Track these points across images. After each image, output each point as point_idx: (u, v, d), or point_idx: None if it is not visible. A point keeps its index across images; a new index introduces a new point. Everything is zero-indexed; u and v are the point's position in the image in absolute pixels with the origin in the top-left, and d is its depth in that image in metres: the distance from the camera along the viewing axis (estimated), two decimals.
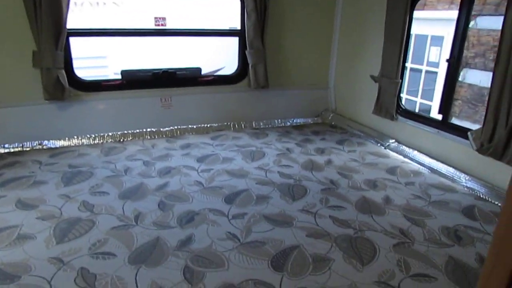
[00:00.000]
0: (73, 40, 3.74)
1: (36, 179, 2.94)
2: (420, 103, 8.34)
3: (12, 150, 3.54)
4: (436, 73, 7.83)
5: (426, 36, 7.90)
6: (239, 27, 4.28)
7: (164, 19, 4.00)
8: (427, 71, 8.20)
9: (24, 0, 3.34)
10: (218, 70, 7.43)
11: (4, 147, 3.54)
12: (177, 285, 1.82)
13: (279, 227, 2.33)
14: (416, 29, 7.77)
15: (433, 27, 7.72)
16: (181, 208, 2.54)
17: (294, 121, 4.68)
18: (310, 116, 4.81)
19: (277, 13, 4.29)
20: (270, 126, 4.52)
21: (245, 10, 4.10)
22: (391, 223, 2.43)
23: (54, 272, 1.89)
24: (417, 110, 8.28)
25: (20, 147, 3.58)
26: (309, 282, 1.86)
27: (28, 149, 3.59)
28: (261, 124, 4.50)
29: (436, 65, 7.83)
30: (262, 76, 4.26)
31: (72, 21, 3.60)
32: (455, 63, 3.47)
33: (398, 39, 3.71)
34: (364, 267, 1.99)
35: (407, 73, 8.35)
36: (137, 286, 1.81)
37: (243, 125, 4.41)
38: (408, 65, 8.31)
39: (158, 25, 4.03)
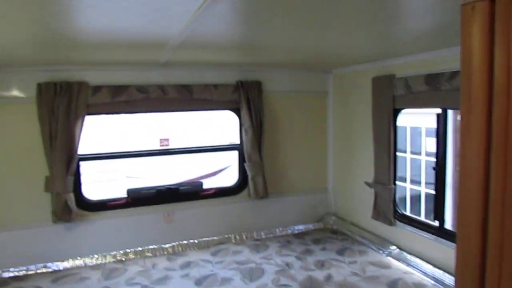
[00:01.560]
0: (83, 163, 4.05)
1: None
2: (425, 192, 8.35)
3: (17, 273, 3.63)
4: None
5: (420, 128, 8.23)
6: (238, 142, 4.60)
7: (167, 140, 4.34)
8: (426, 161, 8.36)
9: (42, 131, 3.71)
10: (224, 168, 7.70)
11: (9, 271, 3.64)
12: None
13: None
14: (411, 122, 8.13)
15: (426, 119, 8.05)
16: None
17: (295, 228, 4.72)
18: (312, 221, 4.86)
19: (272, 126, 4.63)
20: (271, 235, 4.55)
21: (242, 127, 4.44)
22: None
23: None
24: (422, 199, 8.28)
25: (24, 270, 3.67)
26: None
27: (32, 272, 3.67)
28: (262, 234, 4.55)
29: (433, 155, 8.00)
30: (261, 187, 4.44)
31: (84, 144, 3.92)
32: (441, 171, 3.62)
33: (386, 149, 3.92)
34: None
35: (408, 163, 8.52)
36: None
37: (244, 236, 4.47)
38: (408, 155, 8.53)
39: (163, 145, 4.35)
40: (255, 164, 4.43)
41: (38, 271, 3.69)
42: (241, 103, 4.38)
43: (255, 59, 3.92)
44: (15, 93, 3.74)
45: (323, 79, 4.93)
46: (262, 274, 3.53)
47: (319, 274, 3.49)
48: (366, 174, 4.27)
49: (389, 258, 3.82)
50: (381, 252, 3.94)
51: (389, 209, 3.98)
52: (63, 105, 3.70)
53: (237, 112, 4.50)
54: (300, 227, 4.75)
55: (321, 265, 3.70)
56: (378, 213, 4.13)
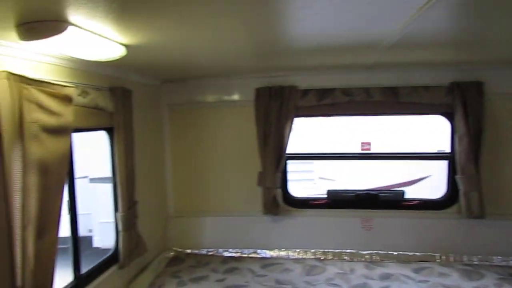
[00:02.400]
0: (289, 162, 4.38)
1: None
2: None
3: (234, 254, 4.27)
4: None
5: None
6: (448, 150, 4.11)
7: (369, 143, 4.25)
8: None
9: (257, 131, 4.16)
10: (424, 178, 7.06)
11: (228, 251, 4.30)
12: None
13: None
14: None
15: None
16: None
17: None
18: None
19: (494, 135, 3.92)
20: (487, 263, 3.86)
21: (456, 135, 3.94)
22: None
23: None
24: None
25: (240, 253, 4.28)
26: None
27: (245, 255, 4.24)
28: (475, 260, 3.91)
29: None
30: (476, 204, 3.84)
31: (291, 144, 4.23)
32: None
33: None
34: None
35: None
36: None
37: (452, 258, 3.95)
38: None
39: (364, 149, 4.29)
40: (470, 177, 3.85)
41: (250, 256, 4.23)
42: (455, 107, 3.88)
43: (477, 56, 3.40)
44: (237, 97, 4.37)
45: None
46: None
47: None
48: None
49: None
50: None
51: None
52: (276, 108, 4.08)
53: (450, 117, 4.01)
54: None
55: None
56: None
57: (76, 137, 2.84)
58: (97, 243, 6.93)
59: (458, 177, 3.91)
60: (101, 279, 3.17)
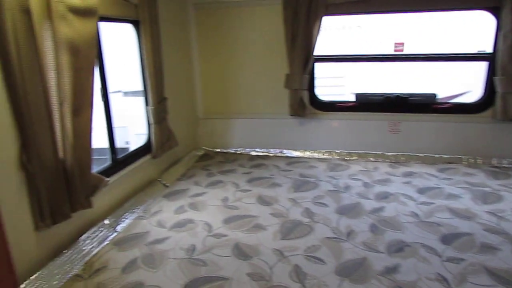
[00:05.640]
0: (317, 64, 4.28)
1: (274, 181, 3.58)
2: None
3: (260, 154, 4.44)
4: None
5: None
6: (489, 50, 3.84)
7: (402, 44, 4.04)
8: None
9: (285, 32, 4.03)
10: (463, 94, 6.77)
11: (256, 151, 4.48)
12: None
13: (504, 286, 2.02)
14: None
15: None
16: (392, 235, 2.55)
17: None
18: None
19: None
20: None
21: (500, 32, 3.64)
22: None
23: (276, 261, 2.30)
24: None
25: (266, 152, 4.43)
26: None
27: (271, 155, 4.39)
28: (505, 162, 3.85)
29: None
30: None
31: (319, 46, 4.10)
32: None
33: None
34: None
35: None
36: None
37: (480, 161, 3.91)
38: None
39: (397, 50, 4.09)
40: (510, 78, 3.63)
41: (276, 155, 4.38)
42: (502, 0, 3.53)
43: None
44: None
45: None
46: (499, 200, 3.06)
47: None
48: None
49: None
50: None
51: None
52: (305, 6, 3.88)
53: (495, 12, 3.67)
54: None
55: None
56: None
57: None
58: None
59: (497, 79, 3.70)
60: (136, 165, 3.43)
